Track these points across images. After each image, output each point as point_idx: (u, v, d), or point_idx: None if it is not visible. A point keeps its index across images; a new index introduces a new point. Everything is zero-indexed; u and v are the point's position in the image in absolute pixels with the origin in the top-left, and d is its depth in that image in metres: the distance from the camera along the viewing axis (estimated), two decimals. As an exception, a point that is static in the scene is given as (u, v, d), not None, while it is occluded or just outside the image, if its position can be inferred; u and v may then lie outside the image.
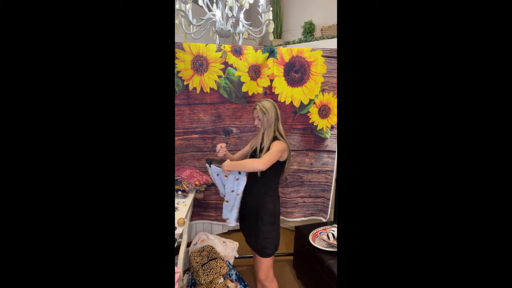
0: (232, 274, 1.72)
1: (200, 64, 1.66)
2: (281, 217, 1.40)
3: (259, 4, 1.17)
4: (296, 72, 1.74)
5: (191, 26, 1.12)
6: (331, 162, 1.90)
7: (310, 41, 2.18)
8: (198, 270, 1.55)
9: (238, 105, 1.77)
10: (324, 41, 2.06)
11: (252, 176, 1.21)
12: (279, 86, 1.76)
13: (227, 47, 1.64)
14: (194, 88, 1.70)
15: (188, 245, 1.76)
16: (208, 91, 1.72)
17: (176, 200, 1.49)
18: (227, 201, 1.28)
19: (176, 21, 1.04)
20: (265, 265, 1.26)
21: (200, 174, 1.71)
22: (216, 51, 1.64)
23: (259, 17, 1.19)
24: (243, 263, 1.97)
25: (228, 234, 2.33)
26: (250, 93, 1.76)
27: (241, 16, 1.18)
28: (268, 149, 1.19)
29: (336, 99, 1.79)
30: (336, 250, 1.48)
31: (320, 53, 1.72)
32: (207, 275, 1.53)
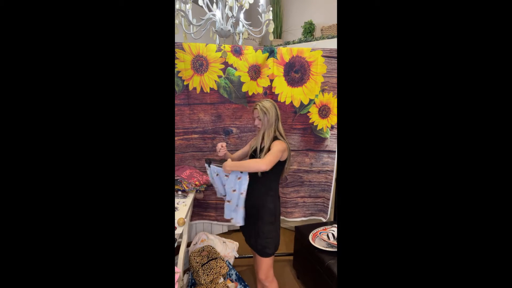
0: (232, 274, 1.72)
1: (200, 64, 1.66)
2: (281, 217, 1.40)
3: (259, 4, 1.17)
4: (296, 72, 1.74)
5: (191, 26, 1.12)
6: (331, 162, 1.90)
7: (310, 41, 2.18)
8: (198, 270, 1.55)
9: (238, 105, 1.77)
10: (324, 41, 2.06)
11: (252, 176, 1.21)
12: (279, 86, 1.76)
13: (227, 47, 1.64)
14: (194, 88, 1.70)
15: (188, 245, 1.76)
16: (208, 91, 1.72)
17: (176, 200, 1.49)
18: (228, 201, 1.27)
19: (176, 21, 1.04)
20: (265, 265, 1.26)
21: (200, 174, 1.71)
22: (216, 51, 1.64)
23: (259, 17, 1.19)
24: (243, 263, 1.97)
25: (228, 234, 2.33)
26: (250, 93, 1.76)
27: (241, 16, 1.18)
28: (269, 149, 1.19)
29: (336, 99, 1.79)
30: (336, 250, 1.48)
31: (320, 53, 1.72)
32: (207, 275, 1.53)
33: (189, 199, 1.53)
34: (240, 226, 1.39)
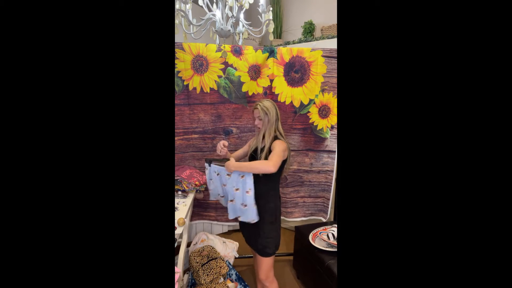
0: (232, 274, 1.72)
1: (200, 64, 1.66)
2: (281, 217, 1.39)
3: (259, 4, 1.17)
4: (296, 72, 1.74)
5: (191, 26, 1.12)
6: (331, 162, 1.90)
7: (310, 41, 2.18)
8: (198, 270, 1.55)
9: (238, 105, 1.77)
10: (324, 41, 2.06)
11: (253, 175, 1.21)
12: (279, 86, 1.76)
13: (227, 47, 1.64)
14: (194, 88, 1.70)
15: (188, 245, 1.76)
16: (208, 91, 1.72)
17: (176, 200, 1.49)
18: (231, 200, 1.25)
19: (176, 21, 1.04)
20: (265, 264, 1.26)
21: (200, 174, 1.71)
22: (216, 51, 1.64)
23: (259, 17, 1.19)
24: (243, 263, 1.97)
25: (228, 234, 2.33)
26: (250, 93, 1.76)
27: (241, 16, 1.18)
28: (269, 148, 1.19)
29: (336, 99, 1.79)
30: (336, 250, 1.48)
31: (320, 53, 1.72)
32: (207, 275, 1.53)
33: (189, 199, 1.53)
34: (240, 227, 1.39)
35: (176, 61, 1.60)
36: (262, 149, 1.22)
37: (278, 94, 1.78)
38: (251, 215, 1.21)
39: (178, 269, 1.25)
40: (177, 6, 1.03)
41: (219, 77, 1.70)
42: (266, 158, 1.18)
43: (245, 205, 1.21)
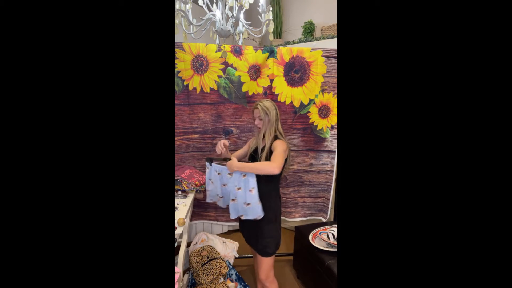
0: (232, 274, 1.72)
1: (200, 64, 1.66)
2: (281, 217, 1.39)
3: (259, 4, 1.17)
4: (296, 72, 1.74)
5: (191, 26, 1.12)
6: (331, 162, 1.90)
7: (310, 41, 2.18)
8: (198, 270, 1.55)
9: (238, 105, 1.77)
10: (324, 41, 2.06)
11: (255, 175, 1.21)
12: (279, 86, 1.76)
13: (227, 47, 1.64)
14: (194, 88, 1.70)
15: (188, 245, 1.76)
16: (208, 91, 1.72)
17: (176, 200, 1.49)
18: (233, 200, 1.25)
19: (176, 21, 1.04)
20: (265, 264, 1.26)
21: (200, 174, 1.71)
22: (216, 51, 1.64)
23: (259, 17, 1.19)
24: (243, 263, 1.97)
25: (228, 234, 2.33)
26: (250, 93, 1.76)
27: (241, 16, 1.18)
28: (269, 148, 1.19)
29: (336, 99, 1.79)
30: (336, 250, 1.48)
31: (320, 53, 1.72)
32: (207, 275, 1.53)
33: (189, 199, 1.53)
34: (240, 227, 1.39)
35: (176, 61, 1.60)
36: (262, 149, 1.22)
37: (278, 94, 1.78)
38: (256, 212, 1.21)
39: (178, 269, 1.25)
40: (177, 6, 1.03)
41: (219, 77, 1.70)
42: (266, 158, 1.18)
43: (248, 204, 1.21)
